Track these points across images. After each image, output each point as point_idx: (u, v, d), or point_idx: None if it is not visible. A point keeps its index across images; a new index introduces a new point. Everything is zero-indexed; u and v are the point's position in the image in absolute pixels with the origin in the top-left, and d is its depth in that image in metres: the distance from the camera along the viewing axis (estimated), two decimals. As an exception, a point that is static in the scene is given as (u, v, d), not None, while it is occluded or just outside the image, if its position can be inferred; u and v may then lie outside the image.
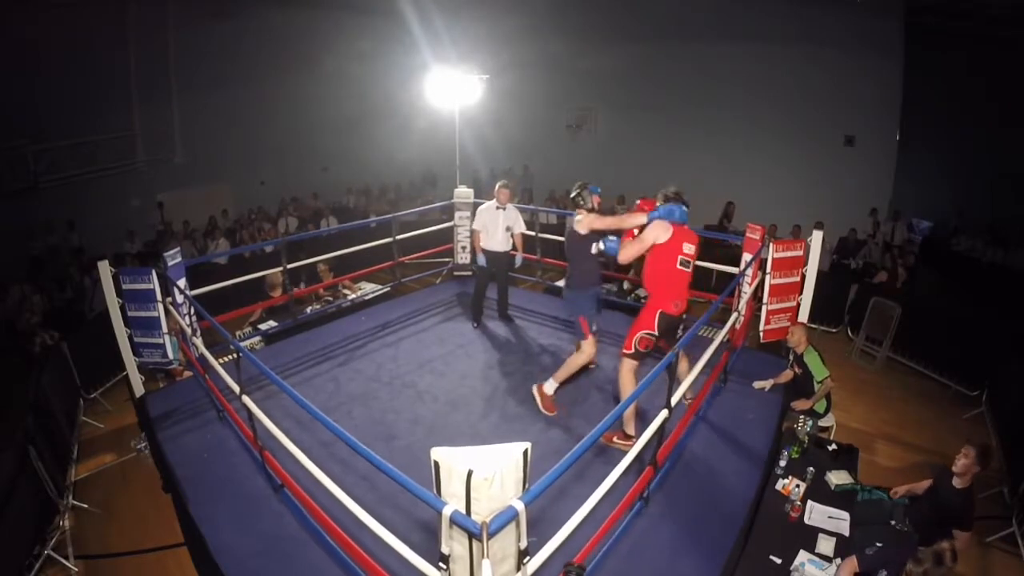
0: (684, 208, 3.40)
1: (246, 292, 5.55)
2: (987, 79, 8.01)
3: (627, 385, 3.47)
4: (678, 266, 3.39)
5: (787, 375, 4.22)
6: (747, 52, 9.43)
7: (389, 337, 5.17)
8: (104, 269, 3.90)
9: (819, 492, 3.21)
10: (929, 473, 3.32)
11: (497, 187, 5.04)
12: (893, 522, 3.07)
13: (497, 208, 5.01)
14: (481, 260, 5.19)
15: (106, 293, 3.95)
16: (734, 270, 4.89)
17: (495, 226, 5.02)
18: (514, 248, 5.19)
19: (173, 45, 9.40)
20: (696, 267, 5.64)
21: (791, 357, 4.25)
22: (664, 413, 2.68)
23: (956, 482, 2.86)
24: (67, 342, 5.46)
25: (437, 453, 1.89)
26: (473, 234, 5.26)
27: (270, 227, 9.51)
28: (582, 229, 3.67)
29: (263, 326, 5.48)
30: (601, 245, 3.61)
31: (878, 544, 2.56)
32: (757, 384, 4.21)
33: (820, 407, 4.11)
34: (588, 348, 3.75)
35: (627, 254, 3.42)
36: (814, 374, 4.02)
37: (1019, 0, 6.81)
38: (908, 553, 2.35)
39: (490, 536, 1.59)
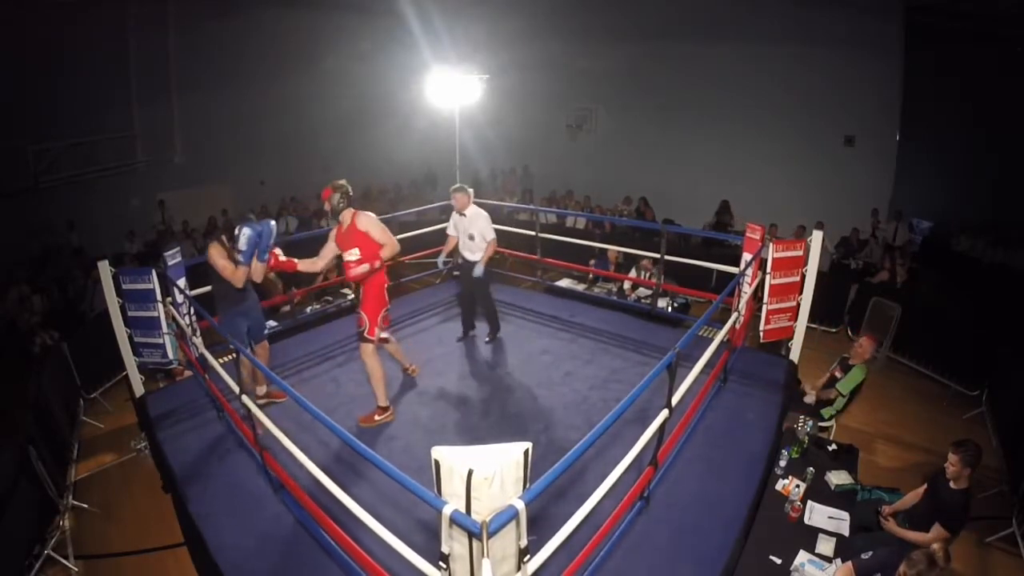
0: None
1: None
2: (987, 79, 8.01)
3: (375, 366, 3.70)
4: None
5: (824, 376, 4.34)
6: (747, 52, 9.43)
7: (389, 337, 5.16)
8: (104, 269, 3.90)
9: (819, 492, 3.21)
10: (928, 472, 3.32)
11: (451, 192, 4.64)
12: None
13: (460, 215, 4.64)
14: (440, 262, 4.95)
15: (106, 293, 3.95)
16: (734, 270, 4.89)
17: (462, 233, 4.67)
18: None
19: (173, 45, 9.39)
20: (696, 267, 5.75)
21: (837, 361, 4.32)
22: (664, 413, 2.67)
23: (952, 484, 2.87)
24: (67, 342, 5.47)
25: (438, 452, 1.88)
26: (448, 239, 4.89)
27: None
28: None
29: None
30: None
31: (872, 551, 2.56)
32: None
33: (827, 413, 4.14)
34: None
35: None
36: (841, 385, 4.05)
37: (1019, 0, 6.80)
38: (902, 556, 2.35)
39: (490, 535, 1.58)
